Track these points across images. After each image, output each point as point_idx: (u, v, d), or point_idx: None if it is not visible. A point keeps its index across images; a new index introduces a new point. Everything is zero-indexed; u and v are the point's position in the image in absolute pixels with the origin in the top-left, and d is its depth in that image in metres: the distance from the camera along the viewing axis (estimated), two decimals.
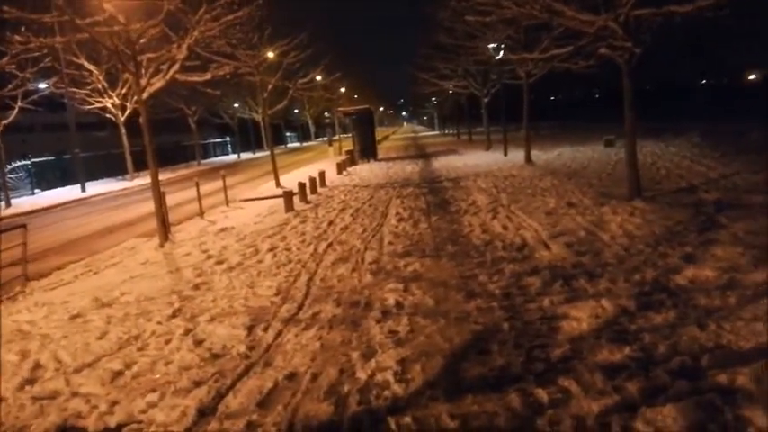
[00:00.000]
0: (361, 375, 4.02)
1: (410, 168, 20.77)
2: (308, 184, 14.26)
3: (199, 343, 4.90)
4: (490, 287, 5.79)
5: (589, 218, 8.69)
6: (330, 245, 8.38)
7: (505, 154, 21.90)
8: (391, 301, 5.61)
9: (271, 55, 18.49)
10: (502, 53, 18.78)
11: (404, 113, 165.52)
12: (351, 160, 23.67)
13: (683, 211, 8.42)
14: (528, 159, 18.21)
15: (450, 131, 52.89)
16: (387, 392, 3.75)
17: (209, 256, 8.26)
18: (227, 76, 14.12)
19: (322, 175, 16.79)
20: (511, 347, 4.30)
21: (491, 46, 18.85)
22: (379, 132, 69.08)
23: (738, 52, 14.84)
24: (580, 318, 4.73)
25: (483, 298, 5.47)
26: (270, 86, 18.52)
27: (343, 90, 52.42)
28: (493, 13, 11.46)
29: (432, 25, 23.40)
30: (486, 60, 20.87)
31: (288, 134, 68.33)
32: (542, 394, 3.55)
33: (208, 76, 11.55)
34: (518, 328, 4.68)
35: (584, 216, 8.85)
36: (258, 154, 40.14)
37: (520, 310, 5.09)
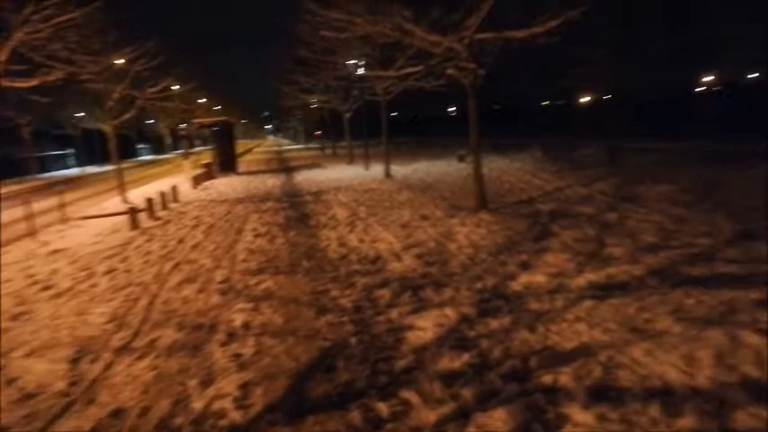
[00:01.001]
0: (197, 405, 3.75)
1: (271, 182, 20.38)
2: (157, 200, 13.38)
3: (10, 382, 4.30)
4: (342, 302, 5.76)
5: (440, 229, 9.05)
6: (177, 265, 7.88)
7: (367, 168, 22.32)
8: (239, 321, 5.37)
9: (119, 61, 17.17)
10: (361, 70, 19.16)
11: (269, 126, 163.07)
12: (208, 174, 22.70)
13: (522, 222, 9.07)
14: (387, 174, 18.69)
15: (315, 145, 52.93)
16: (223, 421, 3.54)
17: (35, 282, 7.38)
18: (62, 83, 12.84)
19: (175, 189, 15.87)
20: (357, 362, 4.29)
21: (350, 62, 19.15)
22: (242, 145, 67.30)
23: (574, 77, 16.89)
24: (425, 327, 4.85)
25: (334, 313, 5.42)
26: (116, 95, 17.19)
27: (203, 101, 50.41)
28: (347, 30, 11.63)
29: (292, 39, 23.29)
30: (346, 76, 21.17)
31: (141, 146, 64.07)
32: (383, 408, 3.56)
33: (34, 81, 10.40)
34: (366, 341, 4.69)
35: (436, 228, 9.20)
36: (105, 167, 37.19)
37: (369, 323, 5.11)
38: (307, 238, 9.22)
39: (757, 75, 49.15)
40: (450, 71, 9.49)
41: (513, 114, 66.15)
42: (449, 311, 5.18)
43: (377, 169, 20.88)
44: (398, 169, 20.74)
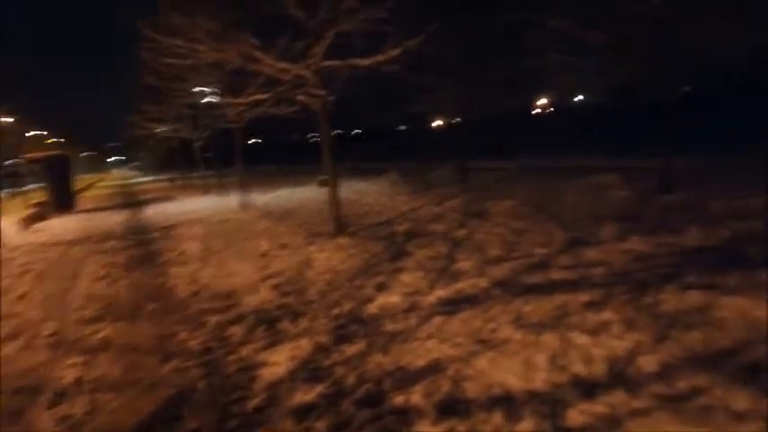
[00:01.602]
0: None
1: (115, 219, 18.88)
2: None
3: None
4: (190, 344, 5.40)
5: (298, 257, 8.91)
6: None
7: (222, 198, 21.56)
8: (70, 378, 4.81)
9: None
10: (211, 97, 18.56)
11: (117, 158, 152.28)
12: (41, 214, 20.48)
13: (379, 244, 9.22)
14: (245, 203, 18.18)
15: (166, 176, 50.16)
16: None
17: None
18: None
19: None
20: (205, 408, 4.01)
21: (198, 89, 18.48)
22: (85, 180, 61.92)
23: (425, 102, 18.04)
24: (279, 362, 4.68)
25: (180, 358, 5.05)
26: None
27: (36, 133, 45.83)
28: (191, 57, 11.20)
29: (139, 66, 21.98)
30: (195, 104, 20.38)
31: None
32: None
33: None
34: (216, 384, 4.41)
35: (295, 256, 9.05)
36: None
37: (219, 364, 4.82)
38: (153, 278, 8.59)
39: (582, 97, 55.40)
40: (300, 98, 9.49)
41: (373, 139, 68.10)
42: (304, 342, 5.06)
43: (234, 199, 20.25)
44: (257, 197, 20.27)
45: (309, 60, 9.04)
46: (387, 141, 58.93)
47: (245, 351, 5.03)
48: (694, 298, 4.91)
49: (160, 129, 26.34)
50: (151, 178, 56.40)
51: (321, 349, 4.89)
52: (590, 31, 9.86)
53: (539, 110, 62.37)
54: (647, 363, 3.84)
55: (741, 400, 3.14)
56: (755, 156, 12.80)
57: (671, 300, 4.98)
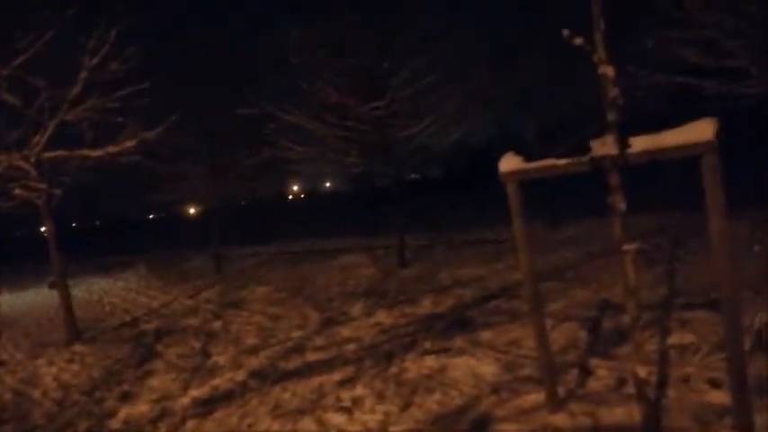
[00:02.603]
0: None
1: None
2: None
3: None
4: None
5: (20, 375, 7.58)
6: None
7: None
8: None
9: None
10: None
11: None
12: None
13: (124, 347, 8.36)
14: None
15: None
16: None
17: None
18: None
19: None
20: None
21: None
22: None
23: (174, 190, 17.49)
24: None
25: None
26: None
27: None
28: None
29: None
30: None
31: None
32: None
33: None
34: None
35: (15, 374, 7.67)
36: None
37: None
38: None
39: (329, 184, 59.40)
40: (18, 191, 8.36)
41: (120, 230, 62.57)
42: None
43: None
44: None
45: (27, 151, 8.12)
46: (135, 232, 54.73)
47: None
48: (431, 363, 5.47)
49: None
50: None
51: None
52: (320, 123, 10.83)
53: (291, 196, 64.87)
54: None
55: None
56: (467, 233, 15.13)
57: (412, 367, 5.47)
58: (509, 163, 3.64)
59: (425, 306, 7.93)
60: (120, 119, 8.67)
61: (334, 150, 11.66)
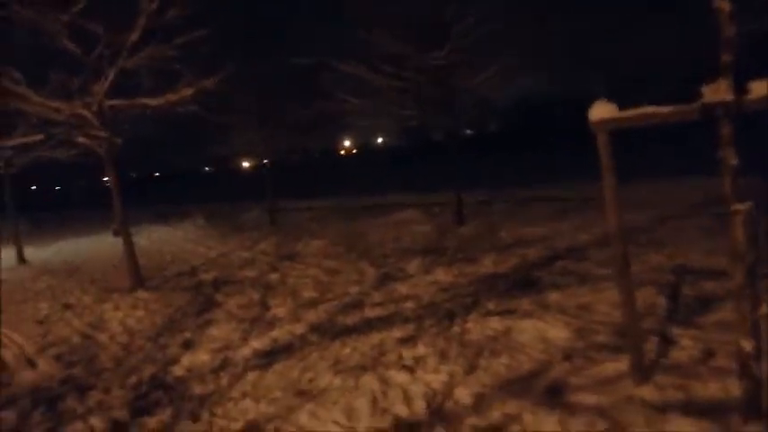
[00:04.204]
0: None
1: None
2: None
3: None
4: None
5: (87, 319, 7.82)
6: None
7: None
8: None
9: None
10: None
11: None
12: None
13: (185, 295, 8.50)
14: (21, 258, 15.69)
15: None
16: None
17: None
18: None
19: None
20: None
21: None
22: None
23: (228, 144, 17.58)
24: None
25: None
26: None
27: None
28: None
29: None
30: None
31: None
32: None
33: None
34: None
35: (82, 318, 7.92)
36: None
37: None
38: None
39: (381, 139, 58.93)
40: (81, 140, 8.47)
41: (177, 181, 64.46)
42: (95, 421, 4.33)
43: (8, 255, 17.37)
44: (36, 252, 17.67)
45: (89, 99, 8.15)
46: (192, 183, 56.21)
47: None
48: (495, 324, 5.25)
49: None
50: None
51: (117, 427, 4.22)
52: (376, 74, 10.47)
53: (343, 151, 64.88)
54: (462, 395, 3.94)
55: (549, 423, 3.32)
56: (527, 190, 14.61)
57: (476, 328, 5.27)
58: (601, 111, 3.27)
59: (486, 265, 7.67)
60: (178, 67, 8.60)
61: (391, 103, 11.32)
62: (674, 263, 6.46)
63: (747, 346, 2.90)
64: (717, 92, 2.85)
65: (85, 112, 8.05)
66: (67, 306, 8.79)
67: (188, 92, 8.22)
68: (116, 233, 11.66)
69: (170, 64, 8.62)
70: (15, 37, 8.41)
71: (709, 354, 3.96)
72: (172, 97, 8.20)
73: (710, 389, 3.36)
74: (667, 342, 4.30)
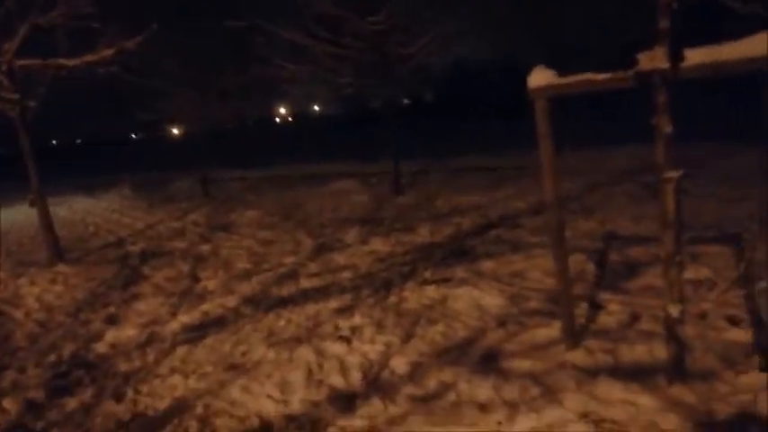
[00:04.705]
0: None
1: None
2: None
3: None
4: None
5: (1, 295, 7.29)
6: None
7: None
8: None
9: None
10: None
11: None
12: None
13: (109, 268, 8.08)
14: None
15: None
16: None
17: None
18: None
19: None
20: None
21: None
22: None
23: (155, 110, 16.61)
24: None
25: None
26: None
27: None
28: None
29: None
30: None
31: None
32: None
33: None
34: None
35: None
36: None
37: None
38: None
39: (318, 107, 57.96)
40: None
41: (100, 149, 61.18)
42: (7, 403, 4.03)
43: None
44: None
45: (0, 58, 7.47)
46: (119, 152, 53.50)
47: None
48: (431, 293, 5.25)
49: None
50: None
51: (32, 407, 3.95)
52: (313, 40, 10.15)
53: (278, 119, 63.42)
54: (398, 364, 3.91)
55: (483, 390, 3.33)
56: (464, 160, 14.75)
57: (412, 297, 5.25)
58: (540, 77, 3.23)
59: (423, 234, 7.67)
60: (96, 26, 7.98)
61: (327, 69, 11.02)
62: (605, 229, 6.67)
63: (674, 311, 2.98)
64: (653, 59, 2.85)
65: None
66: None
67: (107, 52, 7.65)
68: (32, 203, 10.95)
69: (88, 21, 7.98)
70: None
71: (635, 318, 4.09)
72: (90, 58, 7.62)
73: (637, 352, 3.47)
74: (596, 307, 4.42)
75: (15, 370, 4.69)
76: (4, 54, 7.51)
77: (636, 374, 3.19)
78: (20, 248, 10.92)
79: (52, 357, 4.89)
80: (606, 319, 4.16)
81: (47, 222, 8.65)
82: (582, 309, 4.39)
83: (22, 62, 7.69)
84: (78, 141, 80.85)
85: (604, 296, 4.63)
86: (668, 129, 2.87)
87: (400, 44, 10.48)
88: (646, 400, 2.96)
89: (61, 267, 8.35)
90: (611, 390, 3.07)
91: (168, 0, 12.92)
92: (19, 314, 6.35)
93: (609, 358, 3.43)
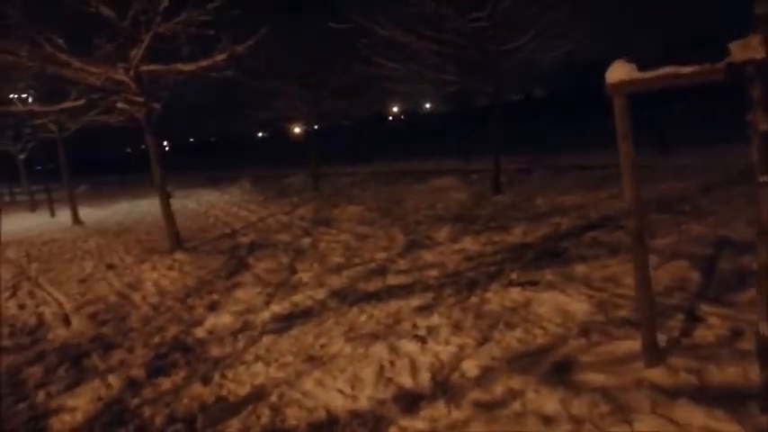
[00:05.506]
0: None
1: None
2: None
3: None
4: None
5: (126, 279, 8.10)
6: None
7: (53, 215, 19.34)
8: None
9: None
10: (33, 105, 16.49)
11: None
12: None
13: (219, 258, 8.67)
14: (76, 219, 16.41)
15: None
16: None
17: None
18: None
19: None
20: None
21: (13, 96, 16.34)
22: None
23: (273, 109, 17.55)
24: (77, 407, 4.07)
25: None
26: None
27: None
28: None
29: None
30: (9, 112, 18.02)
31: None
32: None
33: None
34: None
35: (122, 278, 8.21)
36: None
37: (4, 415, 4.09)
38: None
39: (428, 105, 58.04)
40: (120, 105, 8.64)
41: (231, 146, 65.83)
42: (112, 379, 4.48)
43: (66, 215, 18.22)
44: (93, 213, 18.47)
45: (125, 64, 8.25)
46: (243, 149, 57.22)
47: (39, 396, 4.33)
48: (515, 295, 5.08)
49: None
50: None
51: (132, 385, 4.35)
52: (414, 38, 10.16)
53: (391, 117, 64.38)
54: (469, 367, 3.84)
55: (550, 402, 3.18)
56: (569, 158, 14.07)
57: (495, 298, 5.11)
58: (618, 72, 3.01)
59: (516, 234, 7.44)
60: (212, 32, 8.58)
61: (429, 67, 11.01)
62: (716, 234, 6.07)
63: (766, 329, 2.65)
64: (746, 49, 2.55)
65: (123, 77, 8.17)
66: (110, 266, 9.14)
67: (221, 57, 8.21)
68: (168, 195, 11.94)
69: (205, 29, 8.61)
70: (60, 3, 8.57)
71: (737, 334, 3.69)
72: (205, 63, 8.21)
73: (729, 374, 3.12)
74: (694, 319, 4.04)
75: (125, 349, 5.19)
76: (131, 61, 8.31)
77: (723, 399, 2.88)
78: (148, 237, 12.02)
79: (157, 339, 5.35)
80: (703, 334, 3.79)
81: (167, 214, 9.44)
82: (677, 321, 4.04)
83: (146, 68, 8.46)
84: (212, 140, 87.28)
85: (706, 308, 4.22)
86: (764, 126, 2.56)
87: (503, 40, 10.21)
88: (731, 430, 2.67)
89: (178, 255, 9.10)
90: (692, 415, 2.80)
91: (278, 4, 13.54)
92: (137, 297, 7.01)
93: (693, 379, 3.12)
